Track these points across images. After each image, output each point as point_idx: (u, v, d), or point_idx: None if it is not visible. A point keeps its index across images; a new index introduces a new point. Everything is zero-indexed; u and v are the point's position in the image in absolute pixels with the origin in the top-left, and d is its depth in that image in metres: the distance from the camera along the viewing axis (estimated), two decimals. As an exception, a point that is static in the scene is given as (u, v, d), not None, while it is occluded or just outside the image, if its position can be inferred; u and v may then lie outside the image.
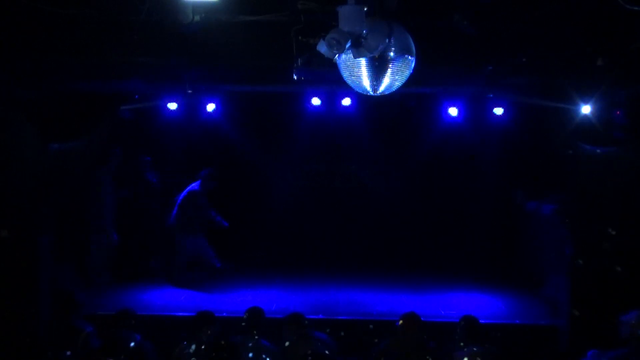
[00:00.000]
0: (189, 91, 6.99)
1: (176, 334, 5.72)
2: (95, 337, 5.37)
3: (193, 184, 8.51)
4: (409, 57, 3.89)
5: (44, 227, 6.63)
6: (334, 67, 3.99)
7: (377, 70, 3.83)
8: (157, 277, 8.69)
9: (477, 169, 9.57)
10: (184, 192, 8.49)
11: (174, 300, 7.57)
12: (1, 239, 6.19)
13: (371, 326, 6.71)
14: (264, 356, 4.97)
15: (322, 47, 3.68)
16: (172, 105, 8.09)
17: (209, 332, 5.08)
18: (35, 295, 6.40)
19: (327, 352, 4.90)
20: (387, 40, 3.74)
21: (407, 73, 3.94)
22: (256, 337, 5.07)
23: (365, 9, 3.72)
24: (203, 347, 4.93)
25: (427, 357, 4.89)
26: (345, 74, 3.99)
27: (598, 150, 6.40)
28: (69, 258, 7.73)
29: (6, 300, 6.18)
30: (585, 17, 4.96)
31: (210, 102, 8.15)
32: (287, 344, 5.09)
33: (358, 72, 3.87)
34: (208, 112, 8.28)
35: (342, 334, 6.58)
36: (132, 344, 4.96)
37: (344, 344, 6.08)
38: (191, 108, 8.38)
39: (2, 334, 6.06)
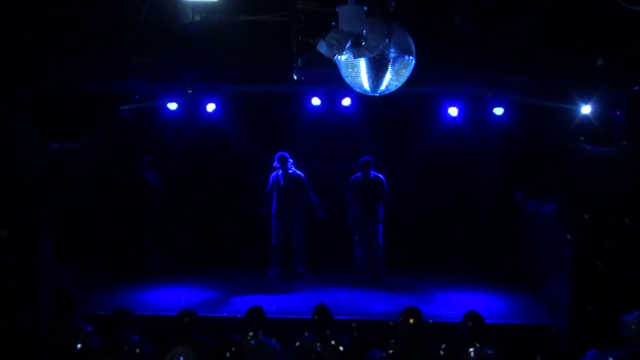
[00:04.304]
0: (189, 91, 6.99)
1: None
2: (95, 337, 5.37)
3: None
4: (409, 57, 3.89)
5: (44, 227, 6.62)
6: (333, 67, 3.99)
7: (377, 70, 3.84)
8: (157, 277, 8.69)
9: (477, 169, 9.57)
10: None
11: (173, 300, 7.56)
12: (1, 239, 6.18)
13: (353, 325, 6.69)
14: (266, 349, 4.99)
15: (322, 47, 3.68)
16: (172, 105, 8.09)
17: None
18: (35, 295, 6.39)
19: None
20: (387, 40, 3.74)
21: (406, 73, 3.95)
22: (258, 334, 5.09)
23: (365, 9, 3.72)
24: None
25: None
26: (345, 74, 3.99)
27: (598, 150, 6.40)
28: (69, 258, 7.73)
29: (6, 300, 6.17)
30: (585, 17, 4.96)
31: (210, 102, 8.14)
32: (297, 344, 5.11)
33: (358, 72, 3.88)
34: (208, 112, 8.27)
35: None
36: (131, 344, 4.98)
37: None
38: (191, 108, 8.37)
39: (3, 334, 6.05)
